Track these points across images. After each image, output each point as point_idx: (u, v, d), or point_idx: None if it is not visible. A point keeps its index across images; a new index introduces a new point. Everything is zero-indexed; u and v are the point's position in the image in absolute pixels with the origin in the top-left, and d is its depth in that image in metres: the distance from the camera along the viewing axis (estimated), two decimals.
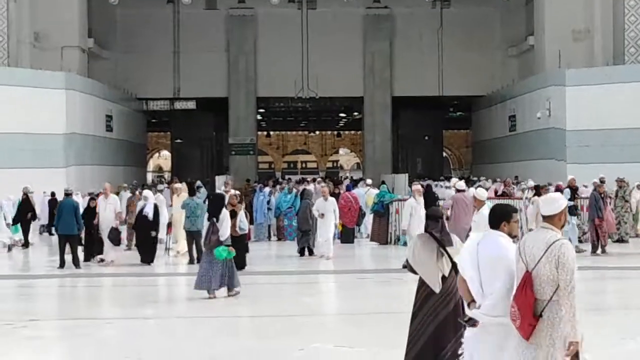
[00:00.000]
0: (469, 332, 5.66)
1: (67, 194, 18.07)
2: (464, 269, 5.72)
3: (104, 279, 16.10)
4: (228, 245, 12.61)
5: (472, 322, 5.48)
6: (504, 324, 5.23)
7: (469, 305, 5.65)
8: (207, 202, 19.31)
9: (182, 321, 11.45)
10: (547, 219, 5.32)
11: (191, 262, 17.29)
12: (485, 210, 10.07)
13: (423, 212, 14.78)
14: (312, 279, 15.30)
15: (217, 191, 20.94)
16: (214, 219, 13.12)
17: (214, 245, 12.79)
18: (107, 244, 17.18)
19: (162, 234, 18.45)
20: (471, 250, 5.67)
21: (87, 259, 17.26)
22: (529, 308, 5.06)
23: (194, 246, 17.38)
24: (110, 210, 17.39)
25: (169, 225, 19.07)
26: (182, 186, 20.82)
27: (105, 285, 15.64)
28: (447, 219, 16.56)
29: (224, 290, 12.70)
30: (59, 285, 15.50)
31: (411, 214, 15.04)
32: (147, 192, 19.12)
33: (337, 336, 9.59)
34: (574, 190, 19.28)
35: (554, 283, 5.00)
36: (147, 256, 17.25)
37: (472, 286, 5.58)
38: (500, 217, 5.58)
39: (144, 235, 17.41)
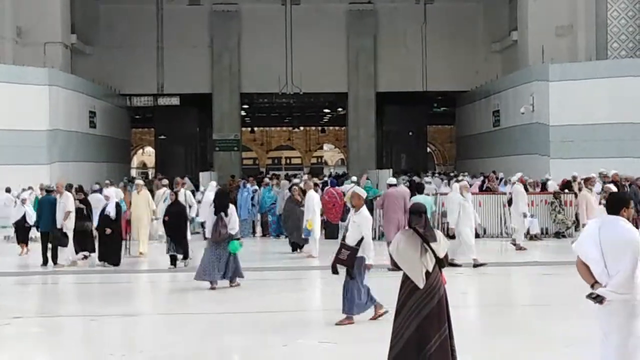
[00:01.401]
0: (597, 309, 6.00)
1: (48, 191, 17.86)
2: (587, 252, 6.08)
3: (87, 276, 15.91)
4: (238, 239, 12.97)
5: (600, 300, 5.78)
6: (628, 301, 5.74)
7: (592, 286, 5.97)
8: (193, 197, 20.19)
9: (167, 318, 11.42)
10: None
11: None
12: (366, 212, 10.21)
13: (471, 207, 15.13)
14: (297, 275, 15.36)
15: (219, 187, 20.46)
16: (222, 214, 13.32)
17: (224, 238, 13.11)
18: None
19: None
20: (593, 235, 6.01)
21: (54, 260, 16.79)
22: None
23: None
24: (60, 209, 16.62)
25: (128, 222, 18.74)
26: (141, 182, 20.51)
27: (89, 282, 15.49)
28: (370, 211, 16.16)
29: (225, 282, 12.90)
30: (42, 283, 15.39)
31: (458, 210, 14.89)
32: (108, 191, 18.56)
33: (322, 332, 9.61)
34: (618, 185, 19.30)
35: None
36: (113, 258, 16.76)
37: (595, 267, 5.94)
38: (621, 204, 6.00)
39: (108, 236, 16.84)
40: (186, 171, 35.22)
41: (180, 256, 15.98)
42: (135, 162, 44.14)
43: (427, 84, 39.28)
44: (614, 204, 6.18)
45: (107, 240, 16.50)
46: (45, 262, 16.08)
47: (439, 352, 6.97)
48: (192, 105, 41.47)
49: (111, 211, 16.47)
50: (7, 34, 30.10)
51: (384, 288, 10.88)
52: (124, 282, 15.31)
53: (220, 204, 13.80)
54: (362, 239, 9.94)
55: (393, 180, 18.95)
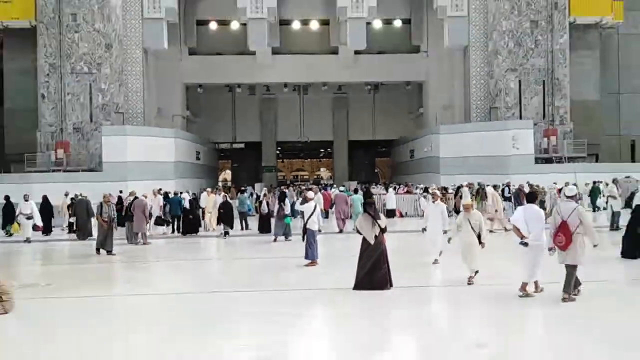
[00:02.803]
0: (522, 249, 9.30)
1: (175, 194, 23.39)
2: (519, 221, 9.31)
3: (180, 239, 19.80)
4: (289, 216, 18.07)
5: (525, 244, 9.05)
6: (539, 243, 9.08)
7: (521, 238, 9.20)
8: (251, 197, 24.56)
9: (239, 261, 15.51)
10: (569, 198, 9.27)
11: (243, 228, 22.12)
12: (312, 203, 13.59)
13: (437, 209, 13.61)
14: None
15: (281, 189, 26.01)
16: (282, 204, 18.37)
17: (283, 216, 18.07)
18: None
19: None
20: (521, 213, 9.47)
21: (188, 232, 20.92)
22: (569, 235, 8.61)
23: (243, 221, 22.50)
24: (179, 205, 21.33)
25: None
26: (210, 189, 24.94)
27: (188, 243, 18.45)
28: (331, 207, 23.65)
29: (282, 239, 17.82)
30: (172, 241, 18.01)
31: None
32: (204, 195, 23.36)
33: (301, 271, 12.89)
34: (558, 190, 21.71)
35: (577, 225, 8.62)
36: (192, 230, 20.96)
37: (523, 229, 9.18)
38: (535, 197, 9.66)
39: (189, 218, 21.18)
40: (247, 183, 39.21)
41: (230, 231, 20.04)
42: (220, 178, 49.37)
43: (375, 135, 47.30)
44: (531, 198, 9.57)
45: (186, 220, 21.55)
46: (179, 230, 21.31)
47: (382, 278, 9.84)
48: (251, 147, 48.02)
49: (187, 205, 21.73)
50: (153, 111, 34.73)
51: (347, 245, 14.89)
52: (201, 242, 20.06)
53: (281, 198, 18.76)
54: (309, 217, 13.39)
55: (342, 188, 26.41)
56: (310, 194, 14.78)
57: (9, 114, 32.82)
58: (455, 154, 31.17)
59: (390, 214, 25.66)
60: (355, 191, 23.30)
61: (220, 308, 9.33)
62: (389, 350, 7.06)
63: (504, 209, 20.26)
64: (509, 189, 24.26)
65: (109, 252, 15.95)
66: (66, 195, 23.18)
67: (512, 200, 22.39)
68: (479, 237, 10.21)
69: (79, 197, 21.36)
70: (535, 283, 9.36)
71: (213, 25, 39.54)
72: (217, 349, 7.10)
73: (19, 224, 19.77)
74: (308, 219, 13.08)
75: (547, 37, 32.26)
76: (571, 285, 8.78)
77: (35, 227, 19.48)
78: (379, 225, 9.89)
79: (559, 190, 21.80)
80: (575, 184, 13.98)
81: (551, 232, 8.79)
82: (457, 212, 23.81)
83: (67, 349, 7.22)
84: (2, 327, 8.21)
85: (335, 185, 34.32)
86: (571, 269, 8.74)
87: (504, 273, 11.05)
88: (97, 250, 16.05)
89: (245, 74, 38.93)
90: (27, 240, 19.45)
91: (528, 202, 9.40)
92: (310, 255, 12.97)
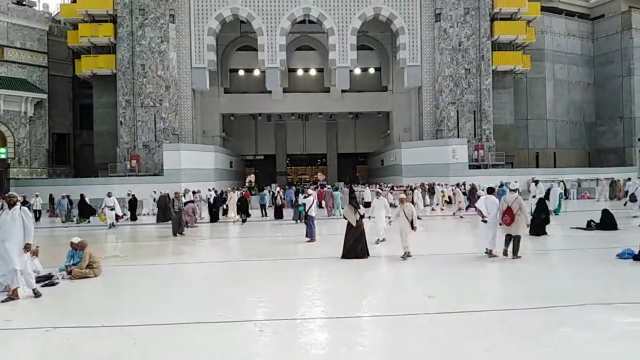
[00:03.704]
0: (484, 225, 9.28)
1: (216, 192, 22.35)
2: (481, 206, 9.23)
3: (208, 225, 17.23)
4: (302, 205, 14.93)
5: (485, 221, 9.18)
6: (494, 221, 9.20)
7: (482, 217, 9.19)
8: (270, 193, 23.80)
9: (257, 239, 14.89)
10: (512, 190, 9.62)
11: (263, 215, 21.11)
12: (312, 197, 13.21)
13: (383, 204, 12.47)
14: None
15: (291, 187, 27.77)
16: (297, 197, 19.61)
17: (297, 205, 17.81)
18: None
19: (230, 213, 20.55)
20: (483, 200, 9.35)
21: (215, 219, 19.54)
22: (512, 216, 8.82)
23: (263, 210, 21.85)
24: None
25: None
26: (231, 188, 24.53)
27: (215, 228, 16.43)
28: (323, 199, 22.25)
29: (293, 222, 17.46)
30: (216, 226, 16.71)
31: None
32: (231, 193, 21.39)
33: (308, 246, 12.53)
34: (500, 186, 20.32)
35: (518, 209, 8.90)
36: (214, 219, 19.25)
37: (484, 211, 9.23)
38: (492, 191, 9.55)
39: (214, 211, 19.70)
40: (266, 184, 37.18)
41: (247, 219, 19.10)
42: (246, 180, 46.39)
43: (357, 149, 46.58)
44: (490, 191, 9.56)
45: (210, 212, 20.22)
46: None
47: (362, 250, 9.72)
48: (268, 158, 46.72)
49: (211, 200, 20.72)
50: (199, 133, 34.65)
51: (334, 228, 15.05)
52: (224, 226, 18.43)
53: (296, 193, 21.33)
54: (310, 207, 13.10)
55: (328, 187, 25.76)
56: (309, 191, 14.65)
57: (98, 135, 32.70)
58: (412, 162, 31.11)
59: (367, 205, 23.59)
60: (336, 189, 23.42)
61: (245, 272, 9.22)
62: (365, 297, 7.06)
63: (461, 201, 20.39)
64: (464, 186, 24.51)
65: (181, 233, 15.26)
66: (127, 193, 22.81)
67: (467, 194, 22.56)
68: (411, 223, 9.61)
69: (156, 192, 21.67)
70: (490, 251, 9.36)
71: (241, 72, 39.53)
72: (242, 300, 7.01)
73: (104, 214, 19.30)
74: (309, 208, 12.90)
75: (477, 80, 32.29)
76: (518, 249, 9.04)
77: (117, 217, 19.11)
78: (359, 213, 9.83)
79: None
80: (516, 181, 14.13)
81: (499, 214, 9.03)
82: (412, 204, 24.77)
83: (134, 297, 7.34)
84: (94, 286, 8.21)
85: (327, 185, 34.15)
86: (517, 238, 9.00)
87: (438, 247, 11.04)
88: (174, 233, 15.15)
89: (264, 107, 38.92)
90: (112, 226, 18.73)
91: (488, 193, 9.51)
92: (310, 234, 12.75)
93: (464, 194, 22.46)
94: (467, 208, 20.23)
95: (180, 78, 32.03)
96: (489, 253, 9.30)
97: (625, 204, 17.21)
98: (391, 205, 15.28)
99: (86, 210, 21.19)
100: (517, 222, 8.87)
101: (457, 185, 22.34)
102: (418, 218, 10.80)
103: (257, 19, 32.29)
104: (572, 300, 6.28)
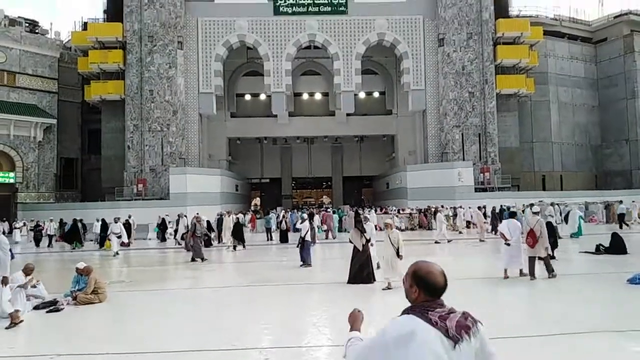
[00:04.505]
0: (505, 247, 9.33)
1: (220, 215, 21.75)
2: (505, 230, 9.31)
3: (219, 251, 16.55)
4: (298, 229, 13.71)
5: (509, 244, 9.19)
6: (518, 244, 9.26)
7: (505, 240, 9.21)
8: (273, 217, 23.01)
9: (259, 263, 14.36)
10: (535, 213, 9.52)
11: (268, 239, 20.37)
12: (311, 222, 13.04)
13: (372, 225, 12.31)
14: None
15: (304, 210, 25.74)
16: (311, 220, 14.62)
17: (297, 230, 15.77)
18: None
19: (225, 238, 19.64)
20: (506, 224, 9.51)
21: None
22: (535, 238, 8.90)
23: (268, 234, 21.35)
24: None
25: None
26: (226, 212, 22.17)
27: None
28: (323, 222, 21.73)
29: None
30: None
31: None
32: (227, 219, 20.07)
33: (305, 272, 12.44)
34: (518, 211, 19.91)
35: (540, 232, 8.97)
36: (207, 244, 17.08)
37: (507, 235, 9.30)
38: (514, 214, 9.92)
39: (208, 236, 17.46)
40: (271, 207, 37.38)
41: (239, 247, 17.50)
42: (252, 203, 45.49)
43: (362, 172, 45.62)
44: (512, 215, 9.97)
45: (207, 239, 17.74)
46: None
47: (369, 276, 9.50)
48: (274, 181, 46.05)
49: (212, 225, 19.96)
50: (205, 156, 34.27)
51: (344, 253, 14.07)
52: (223, 250, 17.79)
53: (311, 217, 14.96)
54: (307, 232, 12.52)
55: (329, 210, 25.33)
56: (304, 216, 14.26)
57: (105, 159, 32.75)
58: (418, 185, 30.75)
59: None
60: (334, 212, 23.69)
61: (250, 297, 9.07)
62: (372, 323, 6.74)
63: (485, 222, 19.98)
64: (485, 209, 23.83)
65: (202, 259, 14.20)
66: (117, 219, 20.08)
67: (491, 216, 22.21)
68: (397, 251, 8.77)
69: (168, 216, 22.04)
70: (520, 270, 9.58)
71: (247, 97, 39.67)
72: (247, 327, 6.86)
73: (109, 241, 18.31)
74: (305, 234, 12.61)
75: (481, 103, 32.20)
76: (550, 267, 9.23)
77: (122, 244, 18.32)
78: (365, 237, 9.67)
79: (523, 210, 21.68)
80: (539, 204, 13.99)
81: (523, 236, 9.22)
82: (421, 227, 25.03)
83: (138, 323, 7.26)
84: (99, 312, 8.17)
85: (330, 208, 33.80)
86: (545, 259, 9.23)
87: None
88: (194, 259, 14.23)
89: (269, 131, 38.75)
90: (117, 254, 17.15)
91: (510, 217, 9.76)
92: (305, 259, 12.47)
93: (486, 216, 22.00)
94: (493, 231, 19.88)
95: (188, 103, 32.09)
96: (520, 272, 9.59)
97: (621, 227, 17.34)
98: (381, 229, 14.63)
99: (78, 235, 20.49)
100: (539, 244, 9.12)
101: (479, 208, 22.07)
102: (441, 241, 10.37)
103: (264, 45, 32.70)
104: (582, 327, 6.14)
